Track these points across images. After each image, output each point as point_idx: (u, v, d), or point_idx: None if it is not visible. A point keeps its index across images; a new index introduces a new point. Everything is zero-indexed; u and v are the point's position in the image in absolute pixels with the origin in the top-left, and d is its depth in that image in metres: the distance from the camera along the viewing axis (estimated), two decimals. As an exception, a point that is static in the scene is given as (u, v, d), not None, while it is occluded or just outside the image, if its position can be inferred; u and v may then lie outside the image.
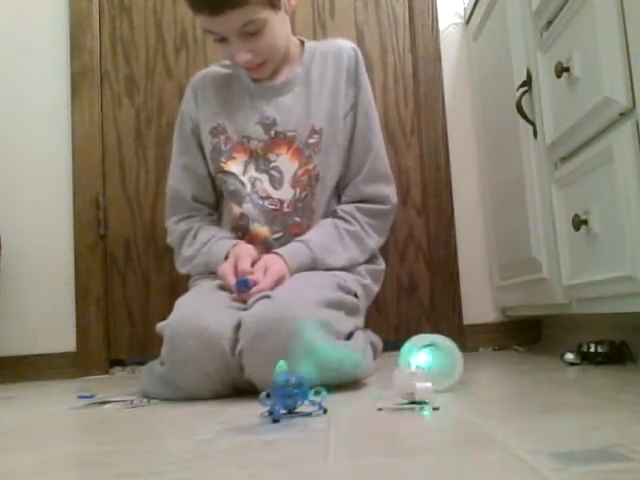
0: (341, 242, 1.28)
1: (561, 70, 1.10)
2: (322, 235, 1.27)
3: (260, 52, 1.25)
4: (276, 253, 1.22)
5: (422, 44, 1.83)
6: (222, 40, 1.23)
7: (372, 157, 1.35)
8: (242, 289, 1.12)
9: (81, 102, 1.85)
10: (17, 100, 1.86)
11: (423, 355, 0.94)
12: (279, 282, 1.15)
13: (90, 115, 1.84)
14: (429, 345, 0.95)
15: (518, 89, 1.33)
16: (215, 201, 1.41)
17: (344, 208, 1.33)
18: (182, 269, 1.36)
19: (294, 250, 1.23)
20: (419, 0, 1.85)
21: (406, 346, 0.96)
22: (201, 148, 1.38)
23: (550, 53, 1.20)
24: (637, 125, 0.92)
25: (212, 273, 1.25)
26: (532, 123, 1.30)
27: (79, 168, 1.83)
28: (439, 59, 1.83)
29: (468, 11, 1.79)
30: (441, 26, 1.85)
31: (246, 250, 1.23)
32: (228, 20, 1.18)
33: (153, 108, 1.87)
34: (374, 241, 1.35)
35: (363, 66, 1.37)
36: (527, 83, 1.31)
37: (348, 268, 1.28)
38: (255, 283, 1.12)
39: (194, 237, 1.34)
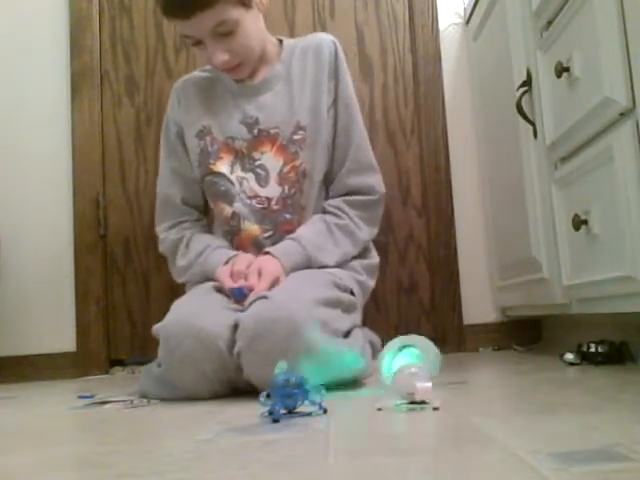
0: (332, 237, 1.28)
1: (561, 70, 1.10)
2: (313, 232, 1.27)
3: (236, 52, 1.25)
4: (269, 253, 1.22)
5: (422, 44, 1.83)
6: (198, 43, 1.23)
7: (354, 148, 1.34)
8: (238, 297, 1.13)
9: (81, 102, 1.85)
10: (17, 100, 1.86)
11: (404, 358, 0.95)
12: (274, 283, 1.15)
13: (90, 115, 1.84)
14: (404, 347, 0.96)
15: (518, 89, 1.33)
16: (204, 205, 1.41)
17: (331, 202, 1.33)
18: (179, 279, 1.37)
19: (287, 248, 1.23)
20: (419, 0, 1.85)
21: (385, 356, 0.97)
22: (187, 151, 1.38)
23: (550, 53, 1.20)
24: (637, 125, 0.92)
25: (210, 279, 1.25)
26: (532, 123, 1.30)
27: (79, 168, 1.83)
28: (439, 59, 1.83)
29: (468, 11, 1.79)
30: (441, 26, 1.85)
31: (244, 256, 1.23)
32: (199, 22, 1.18)
33: (153, 108, 1.87)
34: (365, 233, 1.34)
35: (343, 59, 1.36)
36: (527, 83, 1.31)
37: (342, 263, 1.28)
38: (251, 289, 1.13)
39: (187, 246, 1.33)
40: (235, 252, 1.27)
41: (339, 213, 1.31)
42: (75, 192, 1.82)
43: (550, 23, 1.19)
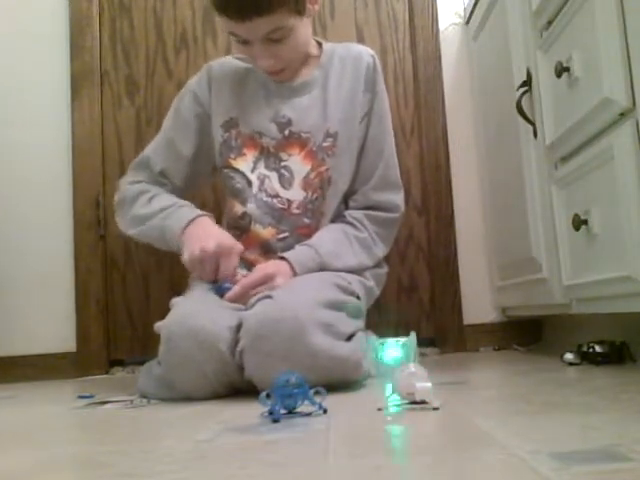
0: (351, 248, 1.28)
1: (561, 70, 1.10)
2: (331, 240, 1.27)
3: (283, 57, 1.25)
4: (284, 258, 1.22)
5: (422, 44, 1.83)
6: (245, 42, 1.22)
7: (384, 165, 1.35)
8: (217, 292, 1.17)
9: (81, 102, 1.84)
10: (17, 100, 1.86)
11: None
12: (265, 280, 1.15)
13: (90, 115, 1.84)
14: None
15: (518, 89, 1.33)
16: (181, 186, 1.37)
17: (353, 214, 1.33)
18: (130, 230, 1.32)
19: (302, 256, 1.22)
20: (419, 0, 1.85)
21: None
22: (199, 133, 1.36)
23: (550, 53, 1.20)
24: (637, 125, 0.92)
25: (166, 239, 1.25)
26: (532, 123, 1.30)
27: (79, 168, 1.82)
28: (439, 59, 1.83)
29: (468, 11, 1.79)
30: (441, 26, 1.85)
31: (227, 239, 1.21)
32: (255, 27, 1.17)
33: (153, 108, 1.86)
34: (381, 250, 1.35)
35: (381, 73, 1.37)
36: (527, 83, 1.31)
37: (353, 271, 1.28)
38: (233, 283, 1.16)
39: (150, 200, 1.30)
40: (200, 212, 1.25)
41: (359, 226, 1.31)
42: (75, 192, 1.82)
43: (550, 23, 1.19)
